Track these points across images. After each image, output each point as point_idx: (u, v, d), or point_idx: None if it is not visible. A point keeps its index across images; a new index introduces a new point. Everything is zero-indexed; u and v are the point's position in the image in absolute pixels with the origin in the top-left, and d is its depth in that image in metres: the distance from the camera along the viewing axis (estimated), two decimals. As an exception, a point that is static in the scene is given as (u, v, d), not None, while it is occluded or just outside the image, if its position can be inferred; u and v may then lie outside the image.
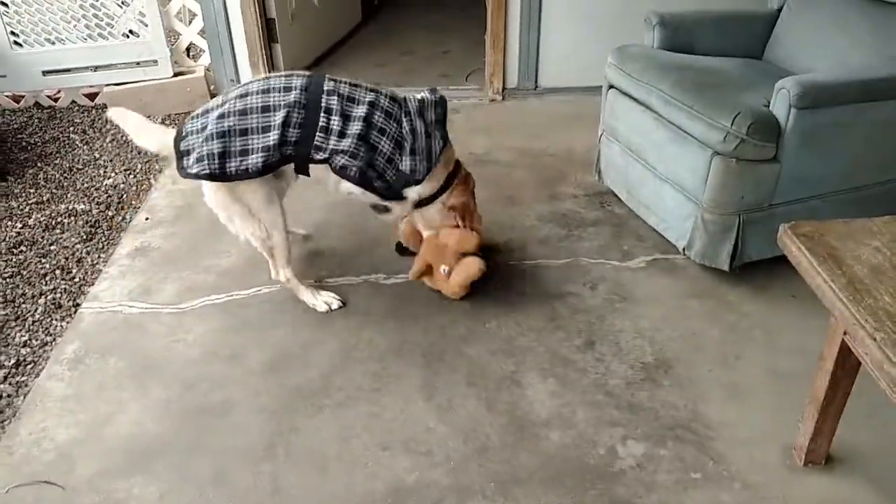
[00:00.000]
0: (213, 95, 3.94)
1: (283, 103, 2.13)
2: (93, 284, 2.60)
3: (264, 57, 4.10)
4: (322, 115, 2.15)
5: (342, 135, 2.16)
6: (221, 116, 2.13)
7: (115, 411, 2.05)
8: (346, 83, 2.24)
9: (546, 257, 2.69)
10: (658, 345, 2.25)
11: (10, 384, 2.18)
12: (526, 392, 2.08)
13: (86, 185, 3.29)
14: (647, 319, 2.36)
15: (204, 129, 2.14)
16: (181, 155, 2.17)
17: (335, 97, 2.17)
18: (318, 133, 2.16)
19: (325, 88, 2.18)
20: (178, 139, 2.19)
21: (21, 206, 3.12)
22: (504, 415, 2.01)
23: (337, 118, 2.16)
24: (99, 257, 2.78)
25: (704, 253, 2.48)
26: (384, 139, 2.21)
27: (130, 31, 4.09)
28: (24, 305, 2.52)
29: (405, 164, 2.25)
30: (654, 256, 2.68)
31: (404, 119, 2.25)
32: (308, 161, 2.21)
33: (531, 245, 2.77)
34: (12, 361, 2.27)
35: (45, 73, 4.08)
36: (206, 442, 1.95)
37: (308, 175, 2.28)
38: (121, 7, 4.06)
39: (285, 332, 2.34)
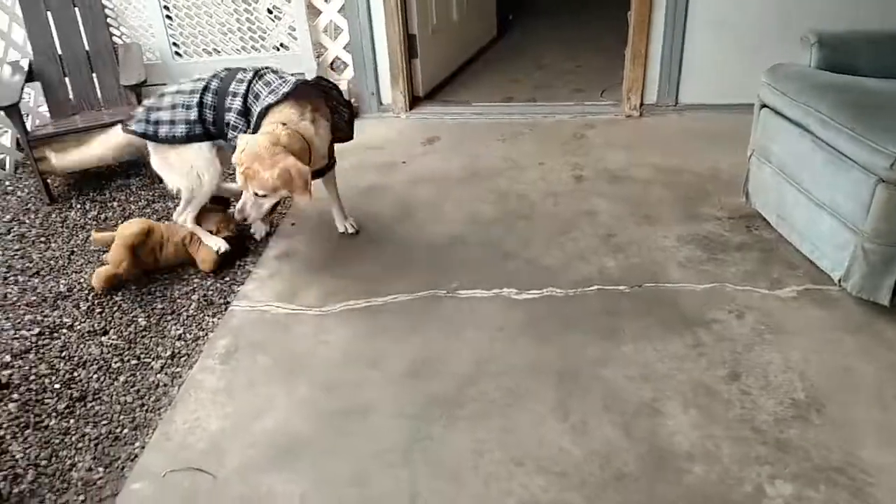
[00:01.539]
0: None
1: (199, 87, 2.71)
2: (243, 283, 2.74)
3: (404, 72, 4.21)
4: (228, 99, 2.68)
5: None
6: (161, 96, 2.76)
7: (263, 407, 2.15)
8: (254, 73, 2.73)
9: (686, 281, 2.60)
10: (809, 380, 2.13)
11: (166, 374, 2.33)
12: (667, 421, 2.02)
13: (236, 188, 3.47)
14: (797, 352, 2.23)
15: (150, 107, 2.76)
16: (130, 120, 2.79)
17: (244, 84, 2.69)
18: (226, 115, 2.68)
19: (237, 77, 2.71)
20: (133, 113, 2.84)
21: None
22: (642, 443, 1.96)
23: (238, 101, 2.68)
24: (248, 259, 2.93)
25: (863, 285, 2.33)
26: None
27: (281, 45, 4.32)
28: (178, 301, 2.70)
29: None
30: (806, 286, 2.53)
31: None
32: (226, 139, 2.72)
33: (670, 267, 2.69)
34: (168, 353, 2.43)
35: (201, 82, 4.35)
36: (346, 443, 2.01)
37: None
38: (273, 21, 4.30)
39: (420, 340, 2.38)
